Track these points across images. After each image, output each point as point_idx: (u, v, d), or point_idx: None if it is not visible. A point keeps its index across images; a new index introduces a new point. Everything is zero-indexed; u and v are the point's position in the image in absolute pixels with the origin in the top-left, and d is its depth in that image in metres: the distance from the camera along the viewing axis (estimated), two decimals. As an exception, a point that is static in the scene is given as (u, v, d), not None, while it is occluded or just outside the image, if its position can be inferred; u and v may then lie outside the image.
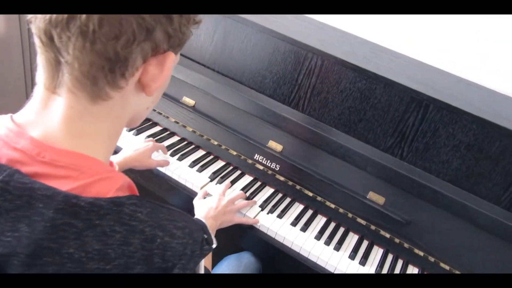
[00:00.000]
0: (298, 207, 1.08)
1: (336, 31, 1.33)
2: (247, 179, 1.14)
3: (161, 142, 1.18)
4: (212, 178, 1.10)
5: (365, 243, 1.03)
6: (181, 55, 1.29)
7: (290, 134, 1.10)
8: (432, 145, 1.00)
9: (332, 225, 1.06)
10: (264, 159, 1.12)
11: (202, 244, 0.48)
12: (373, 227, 1.03)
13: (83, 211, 0.38)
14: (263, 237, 1.00)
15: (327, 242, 0.99)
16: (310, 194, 1.08)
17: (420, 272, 0.99)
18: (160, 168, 1.10)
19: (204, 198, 1.02)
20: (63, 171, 0.40)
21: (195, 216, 0.95)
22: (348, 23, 1.35)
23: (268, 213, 1.04)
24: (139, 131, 1.21)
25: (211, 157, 1.18)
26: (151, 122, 1.26)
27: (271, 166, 1.11)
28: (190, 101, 1.22)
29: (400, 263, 1.00)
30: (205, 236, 0.50)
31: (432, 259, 0.98)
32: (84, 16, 0.36)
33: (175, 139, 1.23)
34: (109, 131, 0.45)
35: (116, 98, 0.43)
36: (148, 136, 1.19)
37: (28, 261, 0.36)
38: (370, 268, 0.96)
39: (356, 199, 1.02)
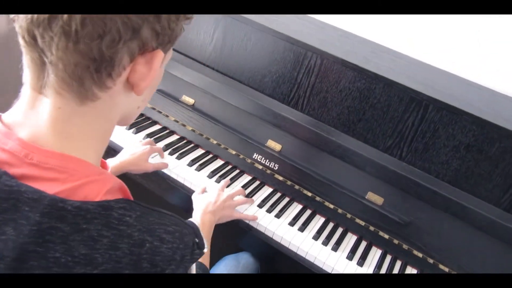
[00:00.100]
0: (296, 207, 1.08)
1: (337, 31, 1.32)
2: (245, 178, 1.14)
3: (160, 140, 1.18)
4: (210, 177, 1.10)
5: (363, 244, 1.02)
6: (181, 53, 1.28)
7: (289, 133, 1.10)
8: (431, 146, 0.99)
9: (331, 225, 1.05)
10: (263, 158, 1.12)
11: (193, 249, 0.47)
12: (372, 228, 1.03)
13: (70, 215, 0.37)
14: (261, 236, 1.00)
15: (325, 243, 0.98)
16: (309, 194, 1.08)
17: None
18: (159, 167, 1.10)
19: (203, 193, 1.02)
20: (51, 173, 0.39)
21: (194, 211, 0.95)
22: (349, 23, 1.34)
23: (266, 213, 1.03)
24: (138, 130, 1.21)
25: (210, 156, 1.18)
26: (150, 121, 1.26)
27: (270, 166, 1.11)
28: (190, 100, 1.22)
29: (398, 264, 0.99)
30: (197, 240, 0.49)
31: (431, 261, 0.97)
32: (66, 15, 0.35)
33: (174, 137, 1.22)
34: (98, 132, 0.44)
35: (104, 99, 0.42)
36: (148, 134, 1.19)
37: (14, 264, 0.35)
38: (368, 269, 0.96)
39: (355, 199, 1.02)
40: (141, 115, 1.27)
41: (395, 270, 0.98)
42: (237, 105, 1.14)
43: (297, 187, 1.09)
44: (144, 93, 0.46)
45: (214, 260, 1.00)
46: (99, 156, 0.47)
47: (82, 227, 0.38)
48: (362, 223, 1.03)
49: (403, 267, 0.98)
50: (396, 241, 1.00)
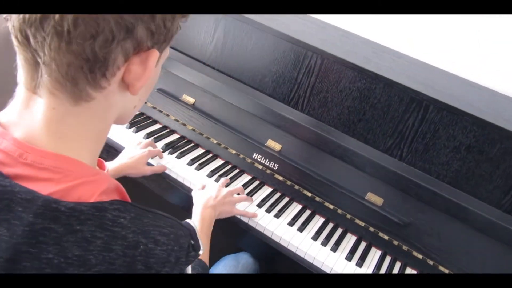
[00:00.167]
0: (296, 207, 1.08)
1: (338, 31, 1.32)
2: (245, 177, 1.13)
3: (160, 139, 1.19)
4: (210, 176, 1.10)
5: (363, 245, 1.02)
6: (181, 52, 1.28)
7: (289, 133, 1.09)
8: (432, 146, 0.98)
9: (330, 225, 1.05)
10: (263, 158, 1.12)
11: (188, 251, 0.47)
12: (371, 229, 1.02)
13: (63, 216, 0.37)
14: (260, 236, 0.99)
15: (324, 243, 0.98)
16: (309, 194, 1.08)
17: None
18: (158, 166, 1.10)
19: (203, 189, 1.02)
20: (45, 173, 0.39)
21: (194, 206, 0.95)
22: (350, 23, 1.33)
23: (265, 212, 1.03)
24: (138, 129, 1.21)
25: (210, 155, 1.18)
26: (151, 120, 1.27)
27: (270, 166, 1.11)
28: (190, 99, 1.21)
29: (398, 265, 0.99)
30: (192, 242, 0.48)
31: (431, 262, 0.97)
32: (57, 15, 0.35)
33: (174, 137, 1.23)
34: (93, 133, 0.44)
35: (99, 99, 0.42)
36: (148, 133, 1.19)
37: (7, 265, 0.35)
38: (367, 270, 0.95)
39: (354, 200, 1.01)
40: (142, 114, 1.28)
41: (395, 271, 0.97)
42: (237, 104, 1.14)
43: (296, 187, 1.09)
44: (139, 93, 0.46)
45: (213, 260, 1.01)
46: (95, 156, 0.47)
47: (75, 228, 0.38)
48: (362, 223, 1.03)
49: (402, 268, 0.98)
50: (395, 242, 1.00)
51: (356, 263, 0.96)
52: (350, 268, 0.94)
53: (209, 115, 1.18)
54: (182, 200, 1.09)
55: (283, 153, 1.10)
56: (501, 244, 0.91)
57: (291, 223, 1.01)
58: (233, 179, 1.11)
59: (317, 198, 1.07)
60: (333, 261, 0.95)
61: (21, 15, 0.36)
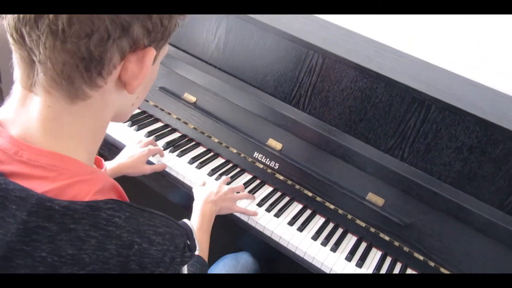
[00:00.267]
0: (296, 207, 1.07)
1: (341, 30, 1.31)
2: (246, 176, 1.13)
3: (162, 138, 1.19)
4: (211, 175, 1.10)
5: (363, 245, 1.01)
6: (183, 51, 1.28)
7: (290, 132, 1.09)
8: (433, 147, 0.98)
9: (331, 225, 1.04)
10: (264, 157, 1.11)
11: (184, 251, 0.46)
12: (372, 229, 1.02)
13: (57, 215, 0.37)
14: (259, 236, 0.99)
15: (324, 243, 0.98)
16: (310, 194, 1.07)
17: (418, 276, 0.97)
18: (159, 165, 1.10)
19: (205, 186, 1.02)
20: (40, 171, 0.39)
21: (195, 201, 0.95)
22: (352, 22, 1.32)
23: (265, 212, 1.03)
24: (140, 127, 1.21)
25: (211, 154, 1.18)
26: (153, 118, 1.27)
27: (271, 165, 1.11)
28: (192, 98, 1.21)
29: (398, 266, 0.98)
30: (188, 242, 0.48)
31: (432, 264, 0.96)
32: (52, 14, 0.35)
33: (176, 135, 1.23)
34: (89, 131, 0.44)
35: (95, 97, 0.42)
36: (149, 132, 1.19)
37: (0, 263, 0.36)
38: (367, 271, 0.95)
39: (355, 200, 1.01)
40: (144, 112, 1.28)
41: (395, 273, 0.97)
42: (238, 103, 1.14)
43: (297, 186, 1.09)
44: (137, 91, 0.45)
45: (213, 258, 1.00)
46: (92, 155, 0.47)
47: (69, 227, 0.37)
48: (363, 224, 1.03)
49: (403, 270, 0.97)
50: (396, 243, 0.99)
51: (356, 263, 0.95)
52: (350, 268, 0.94)
53: (211, 113, 1.18)
54: (183, 198, 1.09)
55: (284, 152, 1.10)
56: (503, 246, 0.90)
57: (291, 223, 1.01)
58: (233, 178, 1.11)
59: (318, 198, 1.07)
60: (333, 261, 0.94)
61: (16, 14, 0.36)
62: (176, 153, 1.14)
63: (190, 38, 1.27)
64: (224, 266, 0.99)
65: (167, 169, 1.09)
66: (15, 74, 0.42)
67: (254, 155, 1.12)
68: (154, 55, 0.43)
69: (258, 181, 1.13)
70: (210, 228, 0.91)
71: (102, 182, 0.43)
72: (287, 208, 1.06)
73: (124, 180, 0.86)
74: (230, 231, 1.06)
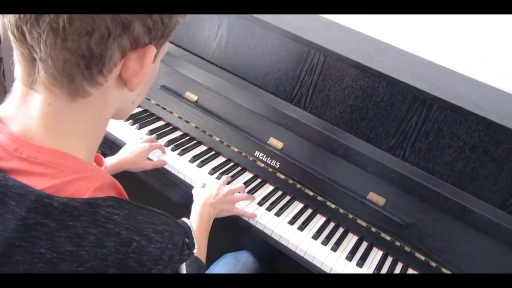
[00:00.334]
0: (297, 206, 1.07)
1: (343, 29, 1.31)
2: (247, 175, 1.13)
3: (163, 136, 1.19)
4: (211, 174, 1.10)
5: (364, 245, 1.01)
6: (185, 50, 1.28)
7: (291, 131, 1.09)
8: (435, 146, 0.97)
9: (331, 225, 1.04)
10: (265, 156, 1.11)
11: (183, 249, 0.46)
12: (373, 229, 1.01)
13: (56, 211, 0.37)
14: (260, 235, 0.99)
15: (324, 242, 0.98)
16: (311, 193, 1.07)
17: (419, 275, 0.97)
18: (160, 163, 1.10)
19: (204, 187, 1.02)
20: (40, 168, 0.39)
21: (194, 203, 0.95)
22: (354, 21, 1.32)
23: (266, 211, 1.03)
24: (142, 125, 1.21)
25: (212, 153, 1.18)
26: (155, 117, 1.27)
27: (272, 164, 1.10)
28: (193, 97, 1.21)
29: (399, 266, 0.98)
30: (187, 241, 0.48)
31: (434, 264, 0.96)
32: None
33: (177, 134, 1.23)
34: (90, 129, 0.44)
35: (96, 95, 0.42)
36: (151, 130, 1.19)
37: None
38: (367, 270, 0.94)
39: (356, 199, 1.01)
40: (146, 111, 1.28)
41: (396, 272, 0.96)
42: (240, 102, 1.14)
43: (298, 185, 1.09)
44: (137, 89, 0.45)
45: (214, 257, 1.00)
46: (92, 152, 0.47)
47: (68, 224, 0.38)
48: (364, 223, 1.02)
49: (404, 270, 0.97)
50: (397, 243, 0.99)
51: (357, 263, 0.95)
52: (350, 268, 0.94)
53: (212, 112, 1.18)
54: (183, 197, 1.09)
55: (285, 151, 1.10)
56: (505, 246, 0.90)
57: (291, 222, 1.01)
58: (234, 177, 1.11)
59: (319, 197, 1.06)
60: (333, 260, 0.94)
61: None
62: (177, 151, 1.14)
63: (192, 36, 1.27)
64: (224, 265, 0.99)
65: (168, 168, 1.09)
66: (16, 71, 0.42)
67: (255, 154, 1.12)
68: (154, 53, 0.43)
69: (259, 180, 1.12)
70: (208, 231, 0.90)
71: (101, 180, 0.43)
72: (287, 207, 1.06)
73: (123, 177, 0.86)
74: (230, 230, 1.06)
